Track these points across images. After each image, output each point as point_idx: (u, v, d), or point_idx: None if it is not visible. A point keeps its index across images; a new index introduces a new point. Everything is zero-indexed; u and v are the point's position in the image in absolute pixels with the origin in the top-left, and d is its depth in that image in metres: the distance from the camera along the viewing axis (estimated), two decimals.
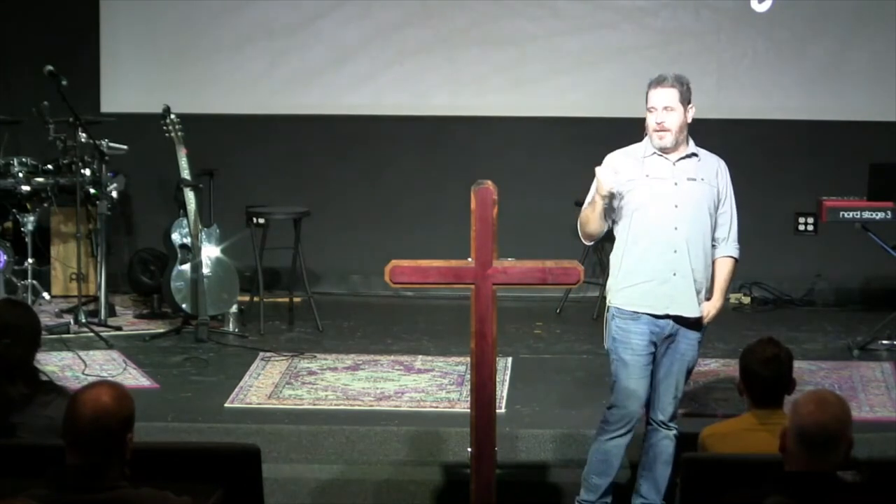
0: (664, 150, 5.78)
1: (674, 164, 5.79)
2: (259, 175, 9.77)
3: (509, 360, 7.86)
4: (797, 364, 5.28)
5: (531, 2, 9.74)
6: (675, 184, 5.77)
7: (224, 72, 9.88)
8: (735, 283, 9.57)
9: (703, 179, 5.81)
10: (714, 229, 5.87)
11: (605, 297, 6.05)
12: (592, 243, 6.07)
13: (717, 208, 5.86)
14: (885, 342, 8.16)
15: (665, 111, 5.74)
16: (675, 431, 5.92)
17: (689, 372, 5.95)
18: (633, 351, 5.81)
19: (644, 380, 5.83)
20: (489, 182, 4.90)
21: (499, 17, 9.75)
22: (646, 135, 5.84)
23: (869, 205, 8.24)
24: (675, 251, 5.77)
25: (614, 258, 5.90)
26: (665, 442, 5.91)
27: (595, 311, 8.77)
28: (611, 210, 5.80)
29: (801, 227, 9.74)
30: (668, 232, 5.76)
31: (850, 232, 8.51)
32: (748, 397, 5.17)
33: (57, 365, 7.60)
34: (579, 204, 6.78)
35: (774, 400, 5.09)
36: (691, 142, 5.86)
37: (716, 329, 8.34)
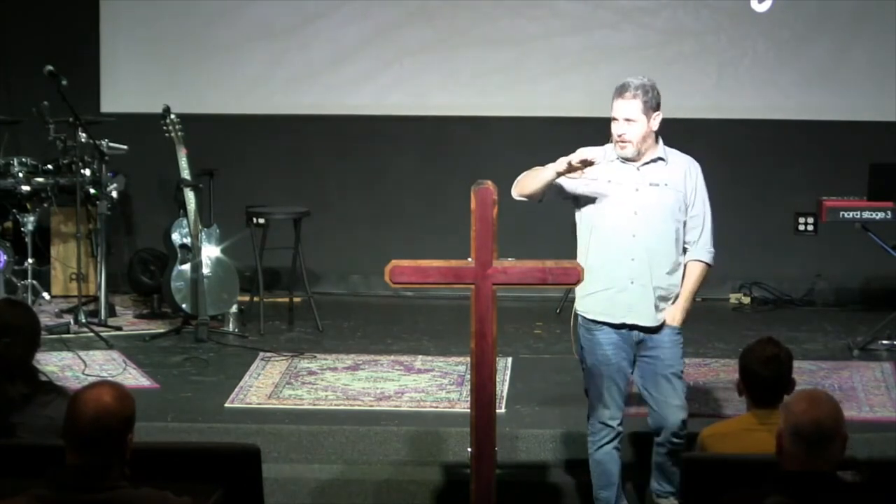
0: (627, 159, 5.72)
1: (638, 169, 5.72)
2: (259, 175, 9.77)
3: (509, 360, 7.85)
4: (797, 364, 5.27)
5: (531, 2, 9.73)
6: (637, 190, 5.70)
7: (224, 72, 9.88)
8: (735, 283, 9.59)
9: (667, 185, 5.71)
10: (683, 233, 5.77)
11: None
12: (519, 199, 5.78)
13: (685, 212, 5.76)
14: (885, 342, 8.15)
15: (626, 123, 5.67)
16: (682, 442, 5.77)
17: (678, 376, 5.83)
18: (599, 360, 5.77)
19: (615, 386, 5.77)
20: (489, 182, 4.89)
21: (499, 17, 9.74)
22: (610, 140, 5.78)
23: (869, 205, 8.23)
24: (633, 259, 5.69)
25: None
26: (674, 457, 5.78)
27: None
28: (556, 193, 5.71)
29: (801, 227, 9.71)
30: (626, 239, 5.69)
31: (850, 232, 8.50)
32: (748, 397, 5.16)
33: (57, 365, 7.60)
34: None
35: (774, 400, 5.08)
36: (660, 145, 5.77)
37: (716, 329, 8.38)
